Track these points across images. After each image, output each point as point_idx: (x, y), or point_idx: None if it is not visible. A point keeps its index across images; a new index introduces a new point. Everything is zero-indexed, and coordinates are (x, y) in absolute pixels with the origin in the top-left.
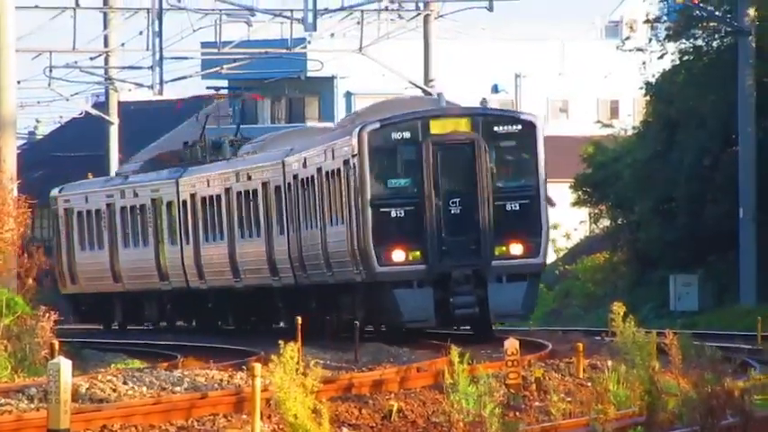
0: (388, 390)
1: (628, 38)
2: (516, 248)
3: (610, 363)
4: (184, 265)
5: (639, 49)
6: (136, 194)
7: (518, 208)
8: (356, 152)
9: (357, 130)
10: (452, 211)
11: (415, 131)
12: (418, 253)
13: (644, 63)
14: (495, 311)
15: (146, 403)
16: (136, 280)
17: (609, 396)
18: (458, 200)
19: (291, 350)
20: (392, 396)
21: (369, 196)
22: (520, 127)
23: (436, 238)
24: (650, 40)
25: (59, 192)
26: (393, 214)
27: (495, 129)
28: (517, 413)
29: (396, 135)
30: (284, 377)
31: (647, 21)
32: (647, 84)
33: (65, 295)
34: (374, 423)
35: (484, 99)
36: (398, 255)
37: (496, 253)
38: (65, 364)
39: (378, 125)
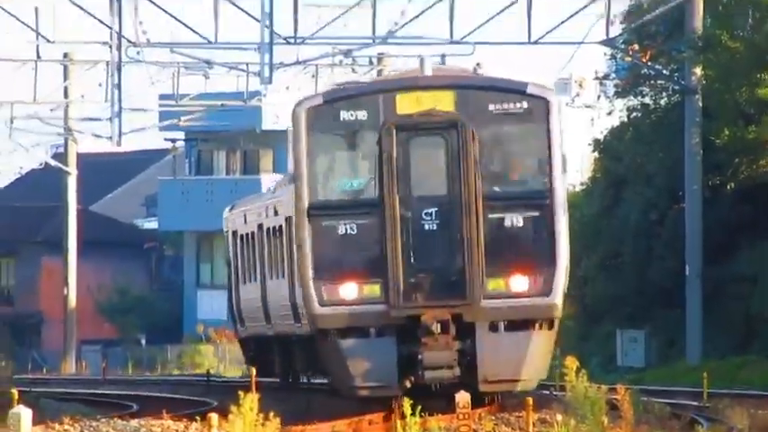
0: None
1: (577, 95)
2: (519, 282)
3: (560, 417)
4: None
5: (588, 106)
6: (276, 212)
7: (522, 223)
8: (291, 140)
9: (293, 107)
10: (426, 227)
11: (375, 110)
12: (377, 287)
13: (592, 120)
14: (486, 375)
15: None
16: (281, 321)
17: None
18: (434, 210)
19: (251, 401)
20: None
21: (306, 204)
22: (526, 104)
23: (402, 265)
24: (599, 97)
25: (230, 210)
26: (341, 230)
27: (492, 107)
28: None
29: (347, 115)
30: (244, 429)
31: (597, 78)
32: (596, 140)
33: (239, 341)
34: None
35: (477, 64)
36: (348, 290)
37: (490, 288)
38: (25, 414)
39: (321, 100)
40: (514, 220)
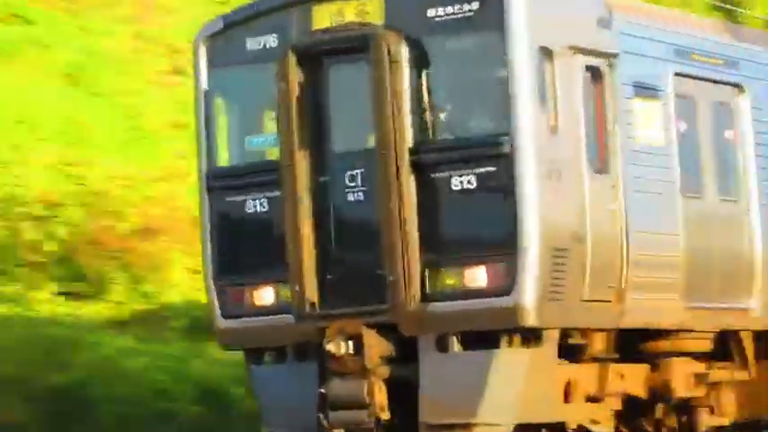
0: None
1: None
2: (475, 274)
3: None
4: None
5: None
6: None
7: (475, 185)
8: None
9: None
10: (349, 198)
11: (288, 32)
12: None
13: None
14: (432, 415)
15: None
16: None
17: None
18: (359, 173)
19: None
20: None
21: (205, 171)
22: (477, 5)
23: (314, 257)
24: None
25: None
26: (250, 209)
27: (430, 13)
28: None
29: (253, 43)
30: None
31: None
32: None
33: None
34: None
35: None
36: (264, 294)
37: (440, 284)
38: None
39: (221, 25)
40: (466, 181)
